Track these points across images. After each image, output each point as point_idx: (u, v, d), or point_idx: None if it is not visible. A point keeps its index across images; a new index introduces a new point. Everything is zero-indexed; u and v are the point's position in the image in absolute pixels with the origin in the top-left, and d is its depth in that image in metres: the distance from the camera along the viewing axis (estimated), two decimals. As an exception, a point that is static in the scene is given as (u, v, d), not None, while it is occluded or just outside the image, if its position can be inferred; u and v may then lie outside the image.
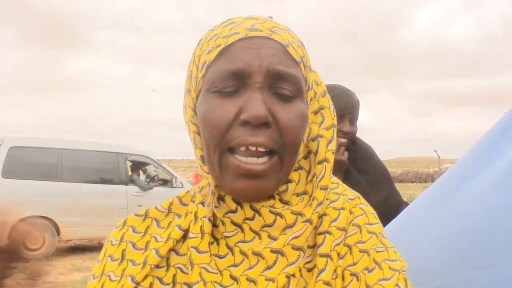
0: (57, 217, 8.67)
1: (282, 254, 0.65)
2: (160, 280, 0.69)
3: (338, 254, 0.67)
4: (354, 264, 0.67)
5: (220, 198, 0.69)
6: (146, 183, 9.92)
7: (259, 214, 0.67)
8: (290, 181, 0.69)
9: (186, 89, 0.72)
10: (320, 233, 0.69)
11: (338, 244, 0.68)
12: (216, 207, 0.69)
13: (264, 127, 0.63)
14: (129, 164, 9.96)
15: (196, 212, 0.71)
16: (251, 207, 0.67)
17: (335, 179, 0.78)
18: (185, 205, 0.76)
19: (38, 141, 9.05)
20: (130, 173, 9.90)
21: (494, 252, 0.87)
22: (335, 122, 0.73)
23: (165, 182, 10.18)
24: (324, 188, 0.69)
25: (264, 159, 0.64)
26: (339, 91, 1.79)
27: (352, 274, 0.66)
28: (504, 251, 0.86)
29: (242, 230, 0.68)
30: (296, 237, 0.65)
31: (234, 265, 0.67)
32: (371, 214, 0.74)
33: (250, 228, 0.67)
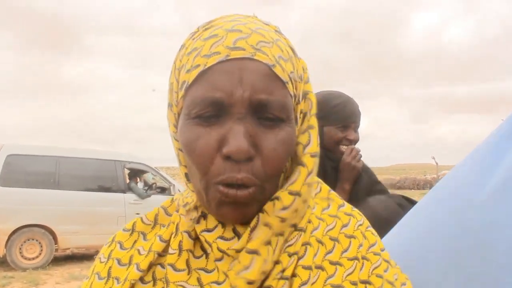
0: (54, 226, 8.64)
1: (239, 261, 0.63)
2: None
3: (355, 284, 0.66)
4: None
5: (203, 216, 0.67)
6: (144, 191, 9.91)
7: (238, 238, 0.65)
8: (277, 198, 0.66)
9: (168, 102, 0.70)
10: (333, 263, 0.67)
11: (350, 274, 0.67)
12: (197, 222, 0.67)
13: (247, 160, 0.61)
14: (127, 172, 9.96)
15: (178, 224, 0.70)
16: (233, 230, 0.65)
17: (333, 193, 0.77)
18: (170, 215, 0.75)
19: (36, 149, 9.03)
20: (128, 181, 9.89)
21: (499, 268, 0.86)
22: (312, 123, 0.69)
23: (163, 190, 10.16)
24: (294, 194, 0.65)
25: (245, 190, 0.62)
26: (342, 100, 1.79)
27: None
28: (509, 267, 0.85)
29: (212, 250, 0.66)
30: (251, 240, 0.63)
31: (217, 283, 0.65)
32: (378, 237, 0.74)
33: (218, 248, 0.65)
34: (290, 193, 0.65)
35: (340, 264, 0.67)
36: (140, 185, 10.38)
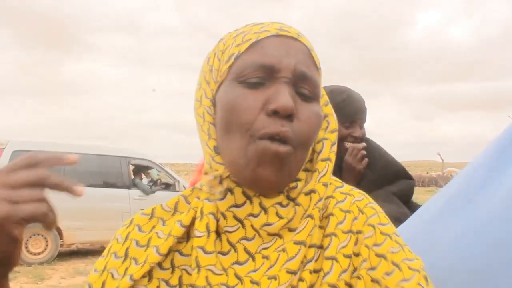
0: (59, 221, 8.63)
1: (285, 250, 0.66)
2: (167, 282, 0.70)
3: (347, 256, 0.67)
4: (373, 269, 0.66)
5: (229, 190, 0.69)
6: (149, 187, 9.92)
7: (265, 212, 0.68)
8: (299, 180, 0.71)
9: (205, 81, 0.73)
10: (327, 235, 0.69)
11: (344, 247, 0.68)
12: (221, 199, 0.69)
13: (287, 120, 0.66)
14: (131, 167, 9.97)
15: (202, 208, 0.71)
16: (260, 204, 0.68)
17: (333, 178, 0.78)
18: (190, 203, 0.76)
19: (41, 145, 9.05)
20: (132, 177, 9.91)
21: None
22: (337, 127, 0.77)
23: (167, 186, 10.17)
24: (326, 185, 0.71)
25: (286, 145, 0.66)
26: (347, 96, 1.76)
27: (374, 281, 0.65)
28: None
29: (244, 226, 0.68)
30: (298, 233, 0.67)
31: (238, 263, 0.67)
32: (382, 213, 0.73)
33: (252, 226, 0.68)
34: (324, 185, 0.71)
35: (335, 235, 0.69)
36: (145, 181, 10.39)
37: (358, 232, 0.69)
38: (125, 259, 0.72)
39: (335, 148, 0.75)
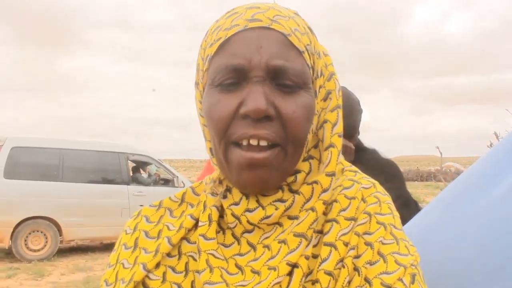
0: (59, 218, 8.68)
1: (285, 242, 0.65)
2: (173, 269, 0.70)
3: (346, 244, 0.65)
4: (357, 257, 0.64)
5: (228, 190, 0.70)
6: (149, 179, 9.95)
7: (263, 208, 0.67)
8: (299, 171, 0.68)
9: (195, 81, 0.73)
10: (328, 221, 0.67)
11: (344, 234, 0.65)
12: (224, 197, 0.70)
13: (266, 120, 0.63)
14: (130, 164, 9.97)
15: (205, 202, 0.73)
16: (257, 201, 0.67)
17: (353, 167, 0.76)
18: (198, 194, 0.78)
19: (40, 142, 9.06)
20: (131, 173, 9.91)
21: None
22: (340, 102, 0.72)
23: (166, 182, 10.19)
24: (331, 175, 0.68)
25: (265, 151, 0.63)
26: (349, 105, 1.56)
27: (355, 269, 0.63)
28: None
29: (240, 222, 0.69)
30: (298, 224, 0.65)
31: (240, 254, 0.68)
32: (386, 203, 0.70)
33: (248, 221, 0.68)
34: (327, 175, 0.68)
35: (337, 222, 0.66)
36: (144, 176, 10.40)
37: (352, 219, 0.67)
38: (134, 249, 0.74)
39: (337, 128, 0.70)
